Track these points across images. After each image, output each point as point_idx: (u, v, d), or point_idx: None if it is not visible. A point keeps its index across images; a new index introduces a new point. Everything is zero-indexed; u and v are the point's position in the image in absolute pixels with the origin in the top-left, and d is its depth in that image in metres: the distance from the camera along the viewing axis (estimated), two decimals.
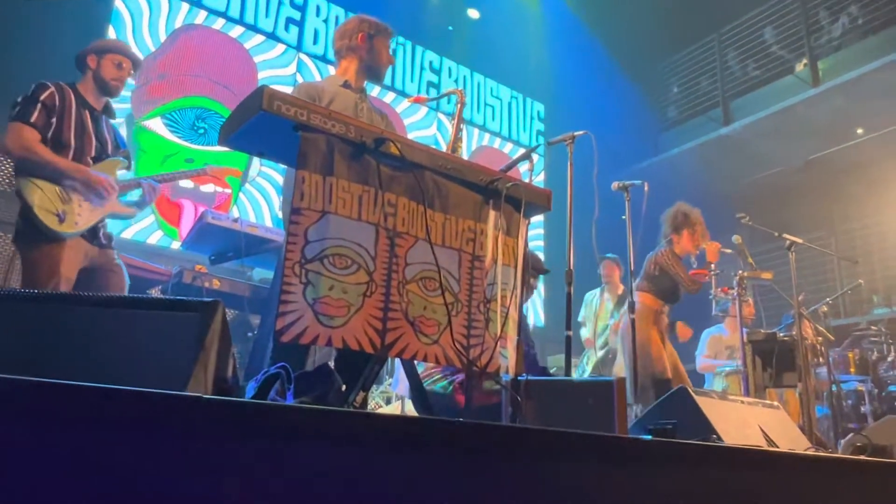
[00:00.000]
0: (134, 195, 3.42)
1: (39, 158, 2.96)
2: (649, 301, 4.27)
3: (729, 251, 4.45)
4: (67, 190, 3.03)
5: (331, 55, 7.14)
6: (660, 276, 4.31)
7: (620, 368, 4.98)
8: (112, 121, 3.44)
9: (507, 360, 2.26)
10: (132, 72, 3.39)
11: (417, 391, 2.30)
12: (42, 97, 3.05)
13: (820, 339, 4.88)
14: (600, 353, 5.97)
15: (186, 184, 5.98)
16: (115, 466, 0.86)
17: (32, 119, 2.99)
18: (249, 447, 0.96)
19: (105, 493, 0.83)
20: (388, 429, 1.10)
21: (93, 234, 3.15)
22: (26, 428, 0.81)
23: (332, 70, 3.19)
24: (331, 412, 1.08)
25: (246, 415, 0.97)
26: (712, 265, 4.25)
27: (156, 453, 0.89)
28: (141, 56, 3.38)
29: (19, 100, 3.06)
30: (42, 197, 2.95)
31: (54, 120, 3.05)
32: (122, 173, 3.38)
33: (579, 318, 6.11)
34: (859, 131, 8.18)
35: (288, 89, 7.11)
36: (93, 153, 3.19)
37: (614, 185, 3.85)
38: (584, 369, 6.03)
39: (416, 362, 2.41)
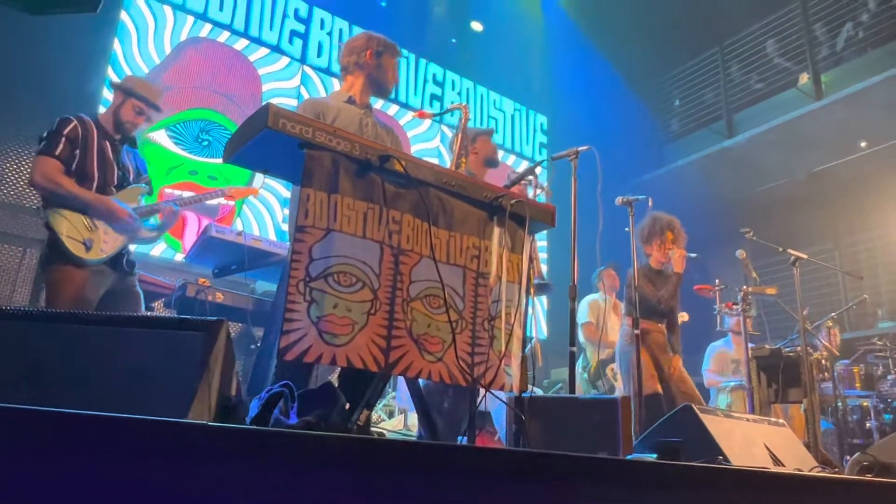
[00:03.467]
0: (154, 219, 3.51)
1: (64, 191, 3.10)
2: (630, 324, 4.21)
3: (694, 255, 4.29)
4: (93, 219, 3.17)
5: (335, 68, 7.18)
6: (641, 298, 4.24)
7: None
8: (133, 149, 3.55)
9: (512, 377, 2.26)
10: (151, 118, 3.51)
11: (422, 408, 2.29)
12: (65, 131, 3.18)
13: (825, 353, 4.85)
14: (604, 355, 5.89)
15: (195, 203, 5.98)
16: (118, 494, 0.86)
17: (57, 152, 3.13)
18: (254, 473, 0.96)
19: None
20: (397, 454, 1.10)
21: (116, 261, 3.27)
22: (25, 457, 0.80)
23: (336, 84, 3.19)
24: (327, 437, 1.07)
25: (249, 443, 0.96)
26: (717, 280, 4.23)
27: (156, 481, 0.88)
28: (160, 106, 3.47)
29: (45, 134, 3.19)
30: (69, 227, 3.09)
31: (78, 152, 3.18)
32: (144, 199, 3.50)
33: (586, 319, 6.00)
34: (863, 144, 8.17)
35: (292, 101, 7.14)
36: (115, 182, 3.32)
37: (618, 200, 3.85)
38: (587, 364, 5.93)
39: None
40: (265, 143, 1.96)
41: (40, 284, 3.77)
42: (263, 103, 1.95)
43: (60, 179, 3.10)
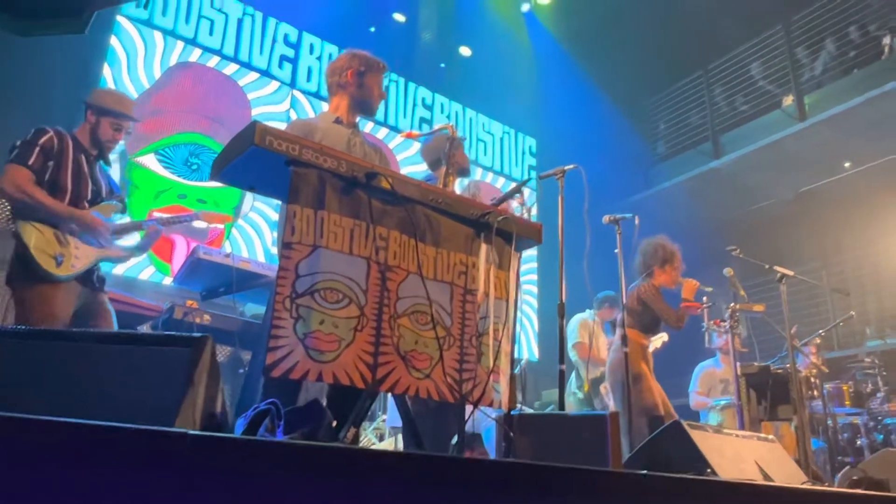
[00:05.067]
0: (135, 238, 3.46)
1: (34, 201, 3.00)
2: (635, 336, 4.24)
3: (709, 289, 4.40)
4: (65, 233, 3.07)
5: (324, 91, 7.22)
6: (642, 311, 4.27)
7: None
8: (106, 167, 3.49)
9: (500, 394, 2.25)
10: (130, 131, 3.46)
11: (409, 425, 2.28)
12: (41, 141, 3.10)
13: (814, 371, 4.86)
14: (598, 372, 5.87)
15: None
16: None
17: (30, 162, 3.04)
18: (237, 484, 0.95)
19: None
20: (379, 464, 1.09)
21: (86, 277, 3.18)
22: (6, 464, 0.79)
23: (325, 106, 3.21)
24: (318, 448, 1.06)
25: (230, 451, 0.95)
26: (704, 298, 4.24)
27: (140, 490, 0.87)
28: (134, 115, 3.44)
29: (18, 143, 3.10)
30: (39, 238, 2.98)
31: (51, 164, 3.09)
32: (116, 217, 3.43)
33: (577, 339, 5.98)
34: (847, 164, 8.29)
35: (282, 125, 7.19)
36: (89, 196, 3.24)
37: (605, 218, 3.87)
38: (581, 383, 5.90)
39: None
40: (252, 160, 1.96)
41: (5, 303, 3.66)
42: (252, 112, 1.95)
43: (31, 189, 2.99)
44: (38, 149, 3.07)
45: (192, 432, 0.92)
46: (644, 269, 4.42)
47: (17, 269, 2.99)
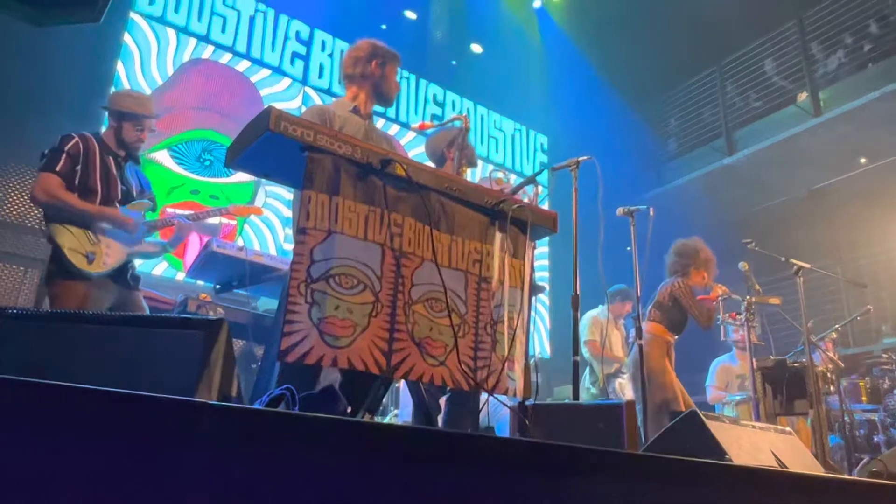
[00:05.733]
0: (156, 235, 3.52)
1: (64, 204, 3.12)
2: (660, 332, 4.21)
3: (736, 296, 4.41)
4: (96, 232, 3.18)
5: (336, 89, 7.24)
6: (672, 308, 4.26)
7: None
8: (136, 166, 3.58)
9: (515, 382, 2.23)
10: (153, 128, 3.55)
11: (421, 412, 2.27)
12: (67, 147, 3.21)
13: (831, 366, 4.81)
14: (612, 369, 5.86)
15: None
16: (119, 472, 0.84)
17: (58, 168, 3.15)
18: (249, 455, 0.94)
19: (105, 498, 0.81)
20: (390, 439, 1.08)
21: (120, 275, 3.28)
22: (29, 430, 0.79)
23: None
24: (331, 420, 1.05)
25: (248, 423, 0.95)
26: (720, 292, 4.22)
27: (159, 459, 0.87)
28: (154, 112, 3.52)
29: (46, 151, 3.22)
30: (72, 239, 3.10)
31: (79, 168, 3.20)
32: (147, 214, 3.52)
33: (588, 338, 5.96)
34: (862, 160, 8.20)
35: None
36: (119, 196, 3.34)
37: (619, 210, 3.85)
38: (595, 379, 5.87)
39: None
40: (267, 146, 1.96)
41: (42, 300, 3.77)
42: (265, 107, 1.95)
43: (61, 194, 3.12)
44: (64, 155, 3.18)
45: (211, 402, 0.91)
46: (680, 267, 4.42)
47: (51, 268, 3.12)
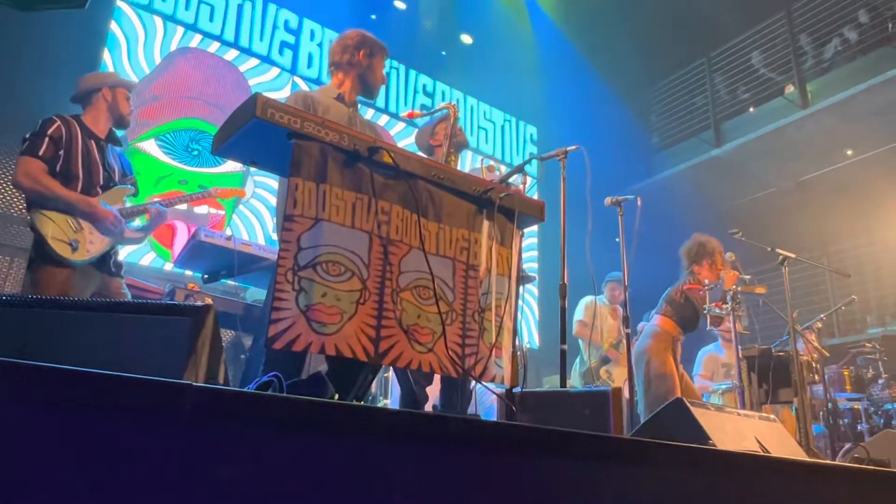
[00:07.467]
0: (141, 220, 3.49)
1: (47, 191, 3.07)
2: (669, 327, 4.23)
3: (748, 277, 4.43)
4: (78, 219, 3.14)
5: (325, 79, 7.20)
6: (684, 305, 4.28)
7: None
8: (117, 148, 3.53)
9: (502, 369, 2.25)
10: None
11: (409, 399, 2.28)
12: (49, 131, 3.15)
13: (815, 355, 4.86)
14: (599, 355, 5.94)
15: (180, 205, 5.97)
16: (111, 454, 0.85)
17: (41, 152, 3.10)
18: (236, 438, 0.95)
19: (99, 479, 0.81)
20: (380, 422, 1.09)
21: (103, 262, 3.26)
22: (26, 411, 0.79)
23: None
24: (325, 404, 1.06)
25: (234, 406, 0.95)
26: (706, 281, 4.24)
27: (148, 442, 0.87)
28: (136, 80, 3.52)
29: (27, 136, 3.16)
30: (55, 228, 3.06)
31: (62, 153, 3.16)
32: (129, 199, 3.48)
33: (580, 318, 6.04)
34: (849, 152, 8.26)
35: None
36: (101, 182, 3.29)
37: (607, 200, 3.86)
38: (584, 367, 5.95)
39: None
40: (254, 133, 1.96)
41: (27, 288, 3.75)
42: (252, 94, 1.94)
43: (44, 180, 3.07)
44: (47, 139, 3.13)
45: (196, 384, 0.92)
46: (685, 268, 4.46)
47: (35, 257, 3.08)
